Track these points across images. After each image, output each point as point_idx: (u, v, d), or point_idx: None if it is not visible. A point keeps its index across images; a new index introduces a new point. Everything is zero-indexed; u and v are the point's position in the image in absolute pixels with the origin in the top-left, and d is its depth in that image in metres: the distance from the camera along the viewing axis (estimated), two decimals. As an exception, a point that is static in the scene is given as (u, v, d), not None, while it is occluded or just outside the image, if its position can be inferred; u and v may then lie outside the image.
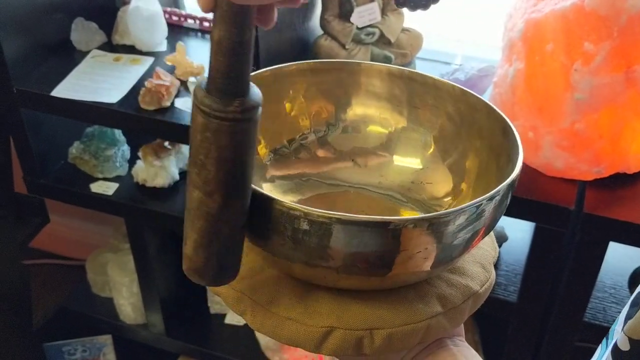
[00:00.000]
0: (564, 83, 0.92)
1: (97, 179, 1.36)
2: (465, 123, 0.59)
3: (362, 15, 1.19)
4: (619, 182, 1.01)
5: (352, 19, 1.19)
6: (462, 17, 1.36)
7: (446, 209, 0.58)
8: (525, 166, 1.03)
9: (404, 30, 1.22)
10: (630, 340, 0.45)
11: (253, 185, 0.46)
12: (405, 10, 1.21)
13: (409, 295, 0.51)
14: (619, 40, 0.88)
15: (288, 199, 0.59)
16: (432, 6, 0.47)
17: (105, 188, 1.34)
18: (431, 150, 0.61)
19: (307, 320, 0.49)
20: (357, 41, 1.20)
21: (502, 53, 1.04)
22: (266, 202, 0.45)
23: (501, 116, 0.55)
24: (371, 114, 0.63)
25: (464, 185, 0.58)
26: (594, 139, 0.94)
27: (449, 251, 0.48)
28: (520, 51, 0.97)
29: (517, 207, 1.00)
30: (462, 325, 0.57)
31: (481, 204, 0.46)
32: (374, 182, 0.62)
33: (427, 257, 0.46)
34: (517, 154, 0.51)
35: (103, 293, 1.68)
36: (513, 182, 0.48)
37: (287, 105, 0.61)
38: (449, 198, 0.59)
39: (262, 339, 1.54)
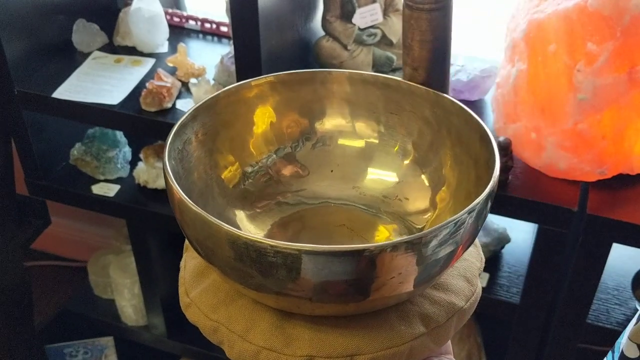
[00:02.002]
0: (566, 83, 0.92)
1: (98, 181, 1.35)
2: (443, 128, 0.57)
3: (364, 16, 1.19)
4: (622, 183, 1.00)
5: (354, 20, 1.19)
6: (464, 18, 1.36)
7: (425, 224, 0.56)
8: (527, 167, 1.03)
9: (406, 31, 1.22)
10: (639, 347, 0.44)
11: (215, 220, 0.44)
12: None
13: (390, 317, 0.49)
14: (622, 41, 0.88)
15: (268, 218, 0.58)
16: None
17: (106, 190, 1.34)
18: (410, 159, 0.59)
19: (285, 349, 0.47)
20: (359, 42, 1.20)
21: (505, 54, 1.04)
22: (231, 236, 0.44)
23: (478, 123, 0.53)
24: (347, 124, 0.61)
25: (443, 195, 0.57)
26: (597, 140, 0.94)
27: (428, 271, 0.46)
28: (523, 52, 0.97)
29: (519, 208, 1.00)
30: (450, 342, 0.56)
31: (458, 220, 0.44)
32: (352, 194, 0.60)
33: (404, 280, 0.45)
34: (495, 161, 0.49)
35: (104, 295, 1.68)
36: (490, 193, 0.47)
37: (258, 121, 0.59)
38: (429, 210, 0.57)
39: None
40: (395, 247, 0.42)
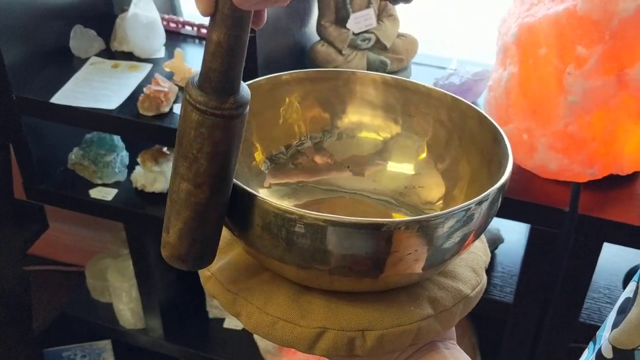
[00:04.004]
0: (557, 86, 0.93)
1: (96, 185, 1.36)
2: (457, 130, 0.60)
3: (358, 21, 1.20)
4: (612, 183, 1.02)
5: (348, 25, 1.20)
6: (457, 22, 1.37)
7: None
8: (520, 168, 1.04)
9: (400, 35, 1.23)
10: (614, 349, 0.46)
11: (249, 189, 0.47)
12: (400, 16, 1.23)
13: (400, 298, 0.51)
14: (610, 44, 0.89)
15: (284, 204, 0.60)
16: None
17: (104, 194, 1.35)
18: (424, 155, 0.62)
19: (300, 321, 0.50)
20: (354, 47, 1.21)
21: (497, 57, 1.06)
22: (261, 204, 0.46)
23: (492, 124, 0.56)
24: (366, 122, 0.64)
25: (456, 191, 0.59)
26: (587, 141, 0.95)
27: (440, 254, 0.48)
28: (514, 55, 0.98)
29: (512, 208, 1.01)
30: (454, 328, 0.58)
31: (470, 208, 0.47)
32: (368, 187, 0.63)
33: (418, 259, 0.47)
34: (508, 160, 0.52)
35: (102, 298, 1.69)
36: (502, 186, 0.49)
37: (284, 113, 0.62)
38: (441, 203, 0.60)
39: (261, 343, 1.55)
40: (409, 224, 0.45)
